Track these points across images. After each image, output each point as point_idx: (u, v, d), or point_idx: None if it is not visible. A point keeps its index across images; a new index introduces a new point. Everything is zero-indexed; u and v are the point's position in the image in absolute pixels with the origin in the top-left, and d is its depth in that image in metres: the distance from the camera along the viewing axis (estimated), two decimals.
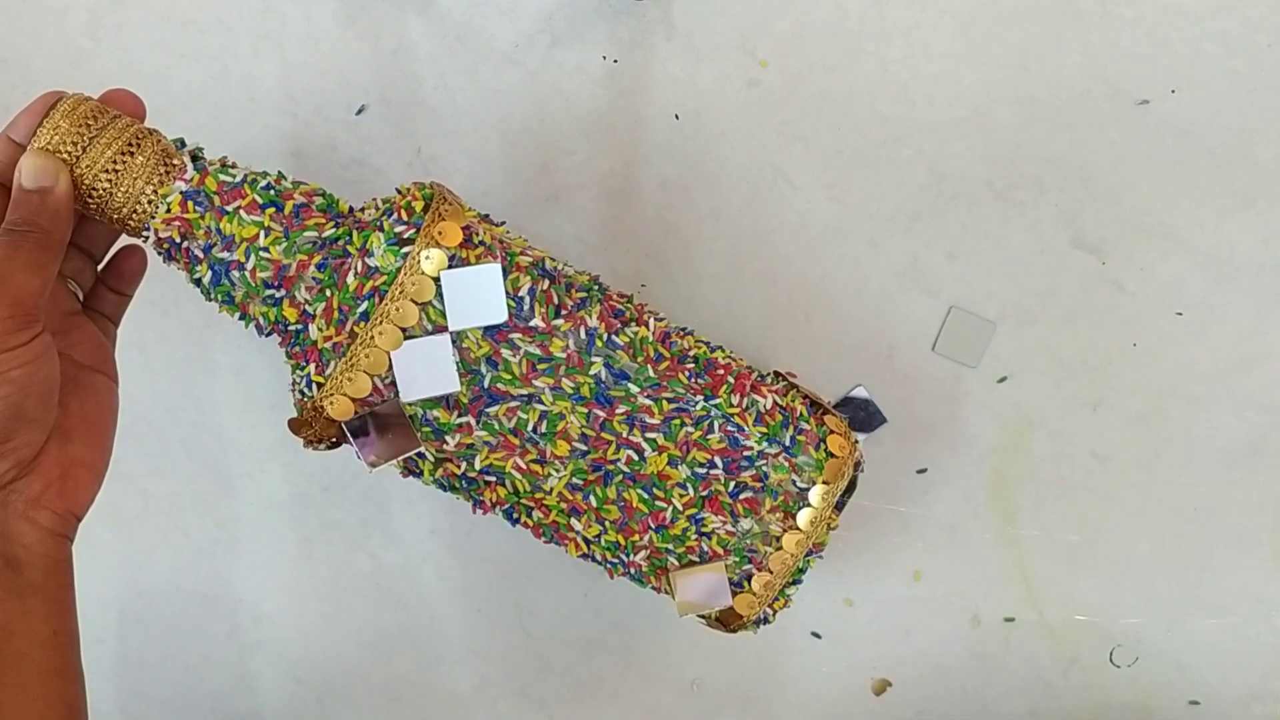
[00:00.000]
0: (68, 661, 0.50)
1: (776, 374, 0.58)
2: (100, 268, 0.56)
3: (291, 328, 0.52)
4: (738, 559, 0.56)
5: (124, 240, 0.56)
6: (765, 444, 0.55)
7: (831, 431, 0.57)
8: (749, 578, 0.56)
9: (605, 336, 0.53)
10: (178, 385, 0.68)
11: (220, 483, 0.69)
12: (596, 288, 0.55)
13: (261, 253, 0.51)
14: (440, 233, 0.51)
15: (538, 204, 0.66)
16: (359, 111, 0.66)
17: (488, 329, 0.52)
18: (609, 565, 0.57)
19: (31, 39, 0.65)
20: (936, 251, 0.67)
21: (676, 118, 0.66)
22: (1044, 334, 0.67)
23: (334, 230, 0.52)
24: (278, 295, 0.52)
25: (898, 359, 0.67)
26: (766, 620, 0.58)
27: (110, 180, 0.50)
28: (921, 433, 0.67)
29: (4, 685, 0.47)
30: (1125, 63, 0.65)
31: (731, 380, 0.55)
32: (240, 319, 0.54)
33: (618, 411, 0.54)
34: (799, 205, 0.66)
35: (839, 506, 0.57)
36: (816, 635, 0.69)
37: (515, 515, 0.56)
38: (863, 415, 0.67)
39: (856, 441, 0.57)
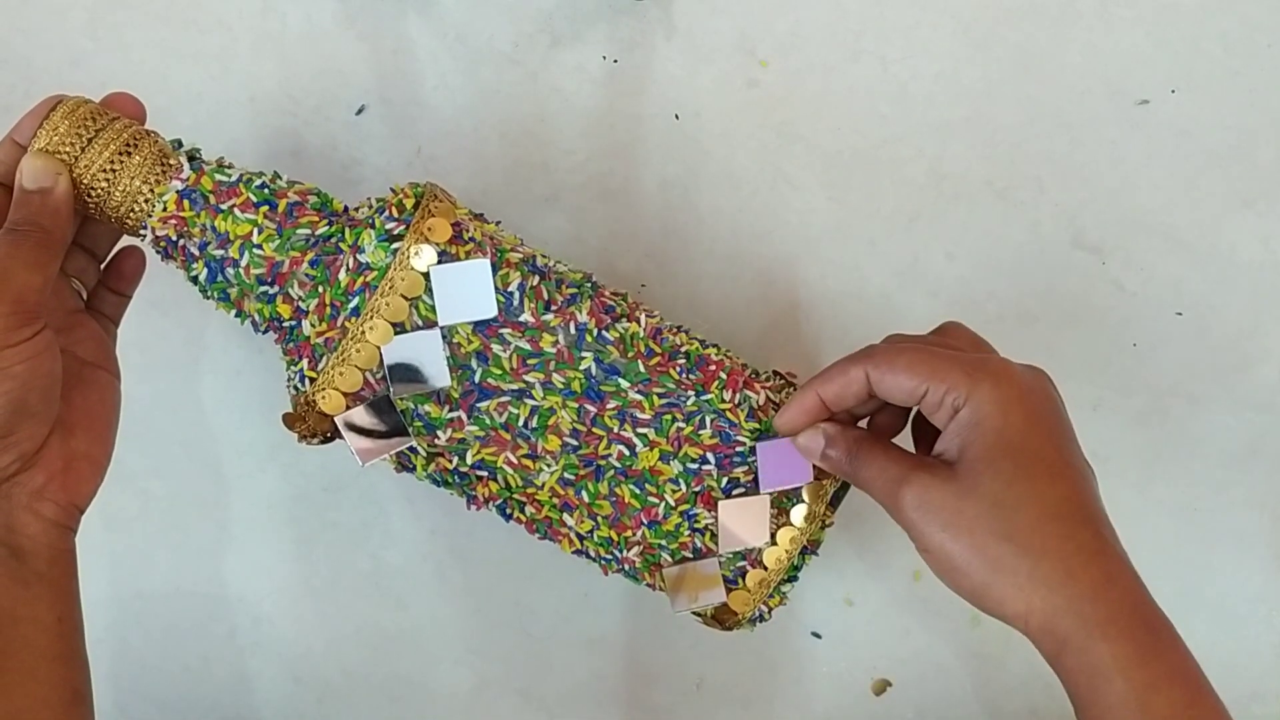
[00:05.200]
0: (72, 647, 0.51)
1: (776, 373, 0.58)
2: (101, 267, 0.57)
3: (285, 324, 0.53)
4: (731, 555, 0.56)
5: (124, 242, 0.57)
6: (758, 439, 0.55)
7: None
8: (743, 574, 0.56)
9: (595, 332, 0.53)
10: (178, 385, 0.68)
11: (220, 483, 0.69)
12: (589, 284, 0.55)
13: (255, 250, 0.52)
14: (430, 229, 0.51)
15: (538, 204, 0.66)
16: (359, 111, 0.66)
17: (478, 324, 0.52)
18: (603, 562, 0.57)
19: (31, 39, 0.65)
20: (936, 251, 0.66)
21: (676, 118, 0.66)
22: (1044, 334, 0.67)
23: (327, 228, 0.52)
24: (271, 292, 0.52)
25: None
26: (763, 618, 0.58)
27: (108, 180, 0.51)
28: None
29: (10, 670, 0.48)
30: (1125, 63, 0.65)
31: (724, 376, 0.55)
32: (236, 316, 0.54)
33: (608, 406, 0.54)
34: (799, 205, 0.66)
35: (834, 503, 0.56)
36: (816, 635, 0.69)
37: (508, 510, 0.56)
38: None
39: None
